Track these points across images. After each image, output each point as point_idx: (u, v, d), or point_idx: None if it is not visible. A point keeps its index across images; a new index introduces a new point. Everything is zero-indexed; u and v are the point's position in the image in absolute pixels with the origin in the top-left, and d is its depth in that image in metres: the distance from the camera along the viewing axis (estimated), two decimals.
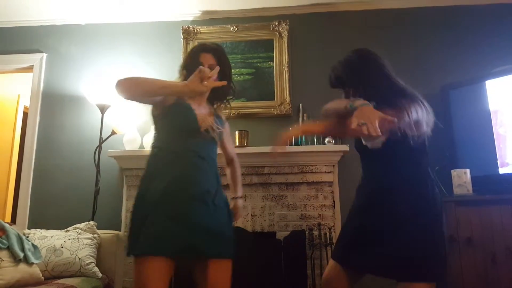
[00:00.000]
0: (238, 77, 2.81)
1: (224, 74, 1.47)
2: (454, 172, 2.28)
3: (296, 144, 2.56)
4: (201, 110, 1.45)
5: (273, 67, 2.79)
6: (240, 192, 1.64)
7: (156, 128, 1.48)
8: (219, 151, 1.54)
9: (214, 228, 1.32)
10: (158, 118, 1.44)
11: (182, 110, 1.41)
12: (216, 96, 1.53)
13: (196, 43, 2.85)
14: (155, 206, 1.28)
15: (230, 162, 1.69)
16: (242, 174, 2.50)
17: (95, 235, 2.23)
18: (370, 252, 1.28)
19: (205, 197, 1.33)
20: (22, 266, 1.86)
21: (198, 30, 2.87)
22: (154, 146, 1.45)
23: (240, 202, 1.62)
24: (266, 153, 2.48)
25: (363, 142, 1.39)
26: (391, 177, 1.31)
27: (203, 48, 1.52)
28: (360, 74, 1.32)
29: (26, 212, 2.74)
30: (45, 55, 2.98)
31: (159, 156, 1.40)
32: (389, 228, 1.26)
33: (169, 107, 1.41)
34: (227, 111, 1.76)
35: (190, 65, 1.47)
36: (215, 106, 1.56)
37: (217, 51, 1.51)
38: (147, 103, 1.44)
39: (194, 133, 1.39)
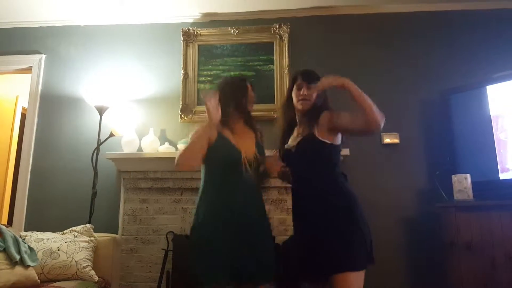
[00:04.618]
0: None
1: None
2: (455, 177, 2.27)
3: None
4: (243, 139, 1.58)
5: (274, 70, 2.78)
6: None
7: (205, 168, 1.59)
8: None
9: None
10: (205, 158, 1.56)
11: (224, 144, 1.54)
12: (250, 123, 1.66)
13: (196, 46, 2.86)
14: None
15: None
16: None
17: (92, 238, 2.21)
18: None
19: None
20: (18, 269, 1.84)
21: (198, 32, 2.86)
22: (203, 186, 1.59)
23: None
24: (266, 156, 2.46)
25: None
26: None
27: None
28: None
29: (22, 214, 2.72)
30: (44, 56, 2.96)
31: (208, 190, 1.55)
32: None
33: (212, 146, 1.53)
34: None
35: None
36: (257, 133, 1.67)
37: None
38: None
39: (238, 166, 1.51)
